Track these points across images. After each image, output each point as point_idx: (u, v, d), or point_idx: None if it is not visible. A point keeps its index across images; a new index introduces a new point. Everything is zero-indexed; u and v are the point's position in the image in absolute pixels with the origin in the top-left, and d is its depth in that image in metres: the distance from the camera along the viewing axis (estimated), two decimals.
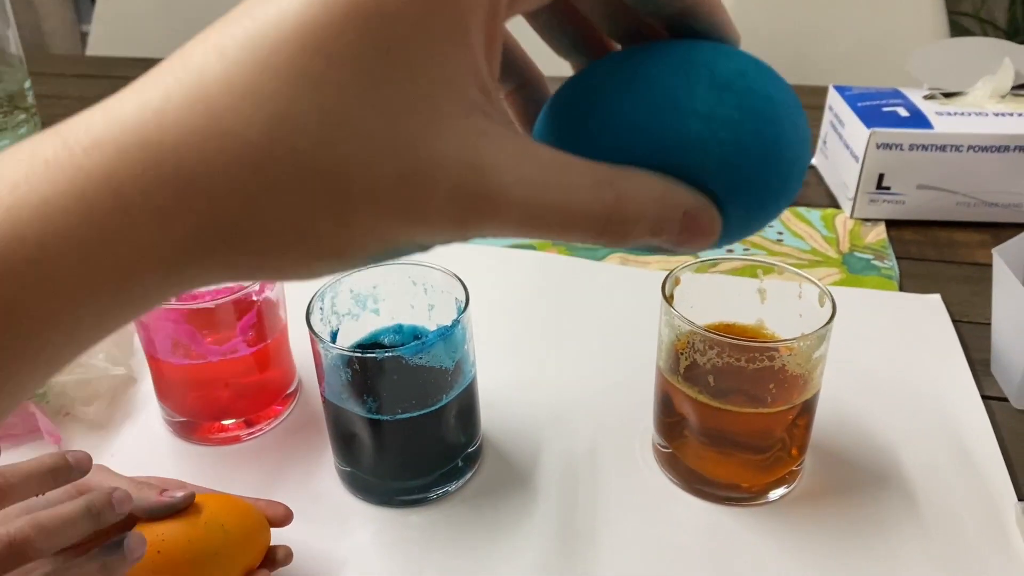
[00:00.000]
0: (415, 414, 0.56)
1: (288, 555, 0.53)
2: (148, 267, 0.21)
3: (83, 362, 0.66)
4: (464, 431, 0.60)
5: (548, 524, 0.58)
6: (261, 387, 0.65)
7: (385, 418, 0.56)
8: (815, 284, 0.58)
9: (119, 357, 0.69)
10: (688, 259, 0.60)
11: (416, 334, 0.62)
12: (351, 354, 0.54)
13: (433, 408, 0.56)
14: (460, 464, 0.60)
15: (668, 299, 0.57)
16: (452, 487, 0.60)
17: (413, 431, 0.57)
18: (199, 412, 0.64)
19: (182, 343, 0.61)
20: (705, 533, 0.57)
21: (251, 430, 0.65)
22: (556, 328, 0.77)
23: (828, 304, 0.56)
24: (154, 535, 0.46)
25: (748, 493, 0.59)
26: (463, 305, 0.56)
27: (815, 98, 1.00)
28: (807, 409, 0.58)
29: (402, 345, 0.56)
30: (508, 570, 0.55)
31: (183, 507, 0.48)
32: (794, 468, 0.60)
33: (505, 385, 0.69)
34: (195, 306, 0.60)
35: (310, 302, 0.57)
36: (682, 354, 0.57)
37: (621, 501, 0.60)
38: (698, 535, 0.57)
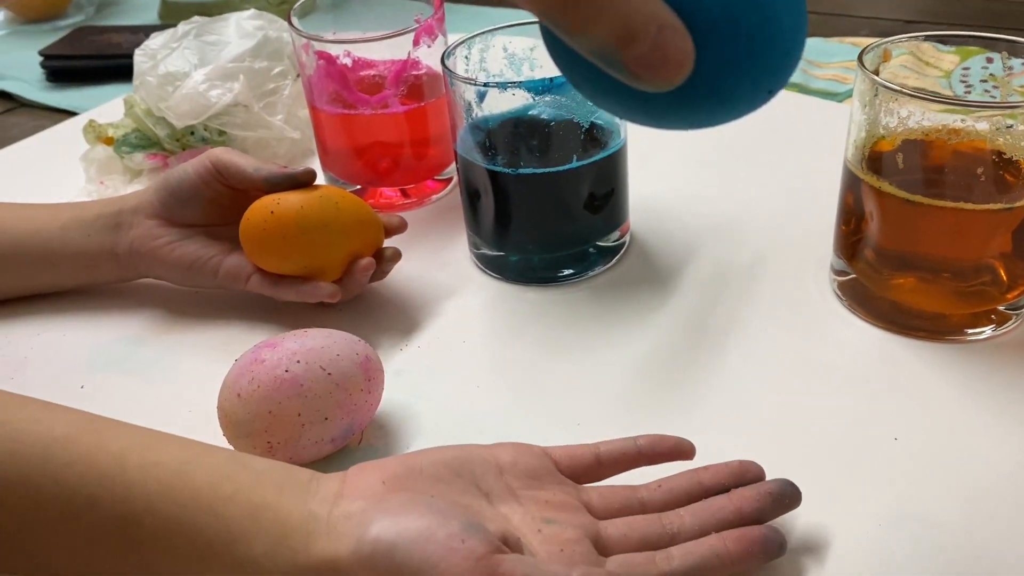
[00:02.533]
0: (538, 170, 0.50)
1: (396, 255, 0.52)
2: None
3: (264, 121, 0.68)
4: (601, 214, 0.53)
5: (676, 320, 0.50)
6: (416, 159, 0.63)
7: (508, 172, 0.51)
8: None
9: (298, 124, 0.70)
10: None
11: (568, 114, 0.56)
12: (472, 84, 0.49)
13: (558, 168, 0.50)
14: (591, 251, 0.54)
15: (867, 67, 0.46)
16: (580, 273, 0.54)
17: (536, 191, 0.51)
18: (360, 177, 0.64)
19: (338, 92, 0.60)
20: (869, 359, 0.46)
21: (406, 201, 0.64)
22: (728, 152, 0.67)
23: None
24: (271, 199, 0.49)
25: (938, 326, 0.47)
26: None
27: None
28: None
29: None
30: (613, 357, 0.48)
31: (303, 181, 0.50)
32: (1003, 308, 0.47)
33: (665, 193, 0.62)
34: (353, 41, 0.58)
35: (453, 46, 0.53)
36: (870, 130, 0.46)
37: (773, 313, 0.50)
38: (859, 359, 0.46)
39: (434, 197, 0.65)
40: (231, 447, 0.41)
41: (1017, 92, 0.49)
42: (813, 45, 0.86)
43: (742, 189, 0.63)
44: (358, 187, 0.64)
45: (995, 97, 0.52)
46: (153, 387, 0.49)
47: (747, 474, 0.37)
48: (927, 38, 0.52)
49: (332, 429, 0.40)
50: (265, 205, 0.49)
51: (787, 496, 0.36)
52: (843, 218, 0.50)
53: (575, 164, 0.50)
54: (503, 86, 0.49)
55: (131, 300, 0.56)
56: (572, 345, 0.49)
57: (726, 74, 0.24)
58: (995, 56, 0.50)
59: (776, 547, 0.34)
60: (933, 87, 0.66)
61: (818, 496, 0.37)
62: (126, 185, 0.67)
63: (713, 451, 0.38)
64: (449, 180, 0.65)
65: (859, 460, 0.40)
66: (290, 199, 0.49)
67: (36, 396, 0.35)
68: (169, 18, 1.05)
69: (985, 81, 0.55)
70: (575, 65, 0.25)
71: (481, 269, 0.56)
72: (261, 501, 0.32)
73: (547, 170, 0.50)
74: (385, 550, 0.31)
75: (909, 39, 0.50)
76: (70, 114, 0.85)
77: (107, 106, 0.83)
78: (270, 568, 0.31)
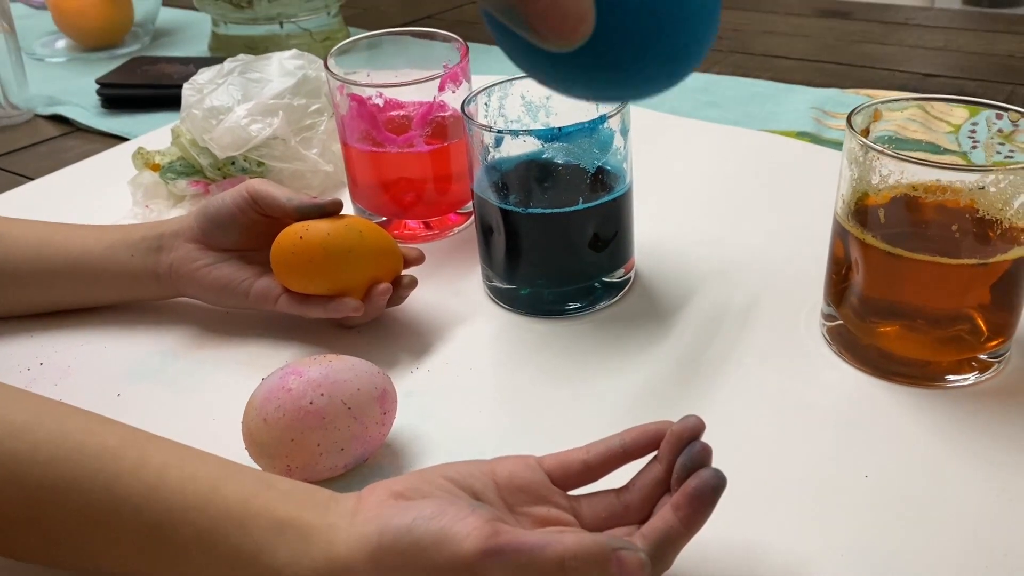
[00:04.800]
0: (547, 211, 0.54)
1: (412, 282, 0.56)
2: None
3: (300, 154, 0.72)
4: (606, 252, 0.57)
5: (672, 355, 0.53)
6: (439, 194, 0.67)
7: (518, 210, 0.54)
8: None
9: (331, 157, 0.74)
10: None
11: (577, 160, 0.60)
12: (489, 130, 0.53)
13: (565, 209, 0.54)
14: (597, 287, 0.57)
15: (855, 128, 0.49)
16: (586, 307, 0.57)
17: (544, 230, 0.55)
18: (386, 209, 0.68)
19: (368, 131, 0.64)
20: (851, 401, 0.49)
21: (428, 232, 0.68)
22: (734, 197, 0.71)
23: None
24: (301, 225, 0.53)
25: (921, 372, 0.50)
26: (619, 105, 0.53)
27: None
28: (1007, 277, 0.47)
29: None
30: (612, 387, 0.51)
31: (330, 210, 0.54)
32: (984, 356, 0.49)
33: (670, 234, 0.65)
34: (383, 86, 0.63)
35: (474, 94, 0.57)
36: (856, 185, 0.49)
37: (764, 353, 0.53)
38: (841, 401, 0.49)
39: (455, 230, 0.69)
40: (253, 462, 0.45)
41: (1020, 149, 0.51)
42: (830, 96, 0.89)
43: (746, 232, 0.66)
44: (384, 219, 0.68)
45: (1002, 154, 0.55)
46: (184, 398, 0.53)
47: (683, 437, 0.38)
48: (920, 100, 0.55)
49: (346, 457, 0.44)
50: (295, 231, 0.54)
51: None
52: (832, 267, 0.53)
53: (581, 206, 0.54)
54: (515, 134, 0.53)
55: (167, 317, 0.60)
56: (573, 375, 0.53)
57: (629, 46, 0.25)
58: (1004, 112, 0.52)
59: (717, 481, 0.36)
60: (940, 141, 0.68)
61: (791, 525, 0.40)
62: (170, 209, 0.72)
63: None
64: (470, 214, 0.69)
65: (831, 494, 0.43)
66: (318, 226, 0.53)
67: (77, 402, 0.40)
68: (219, 50, 1.11)
69: (993, 138, 0.58)
70: (498, 28, 0.26)
71: (493, 300, 0.60)
72: (285, 516, 0.36)
73: (555, 211, 0.54)
74: (403, 532, 0.35)
75: (902, 100, 0.53)
76: (121, 139, 0.91)
77: (155, 133, 0.88)
78: (294, 572, 0.35)
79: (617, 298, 0.59)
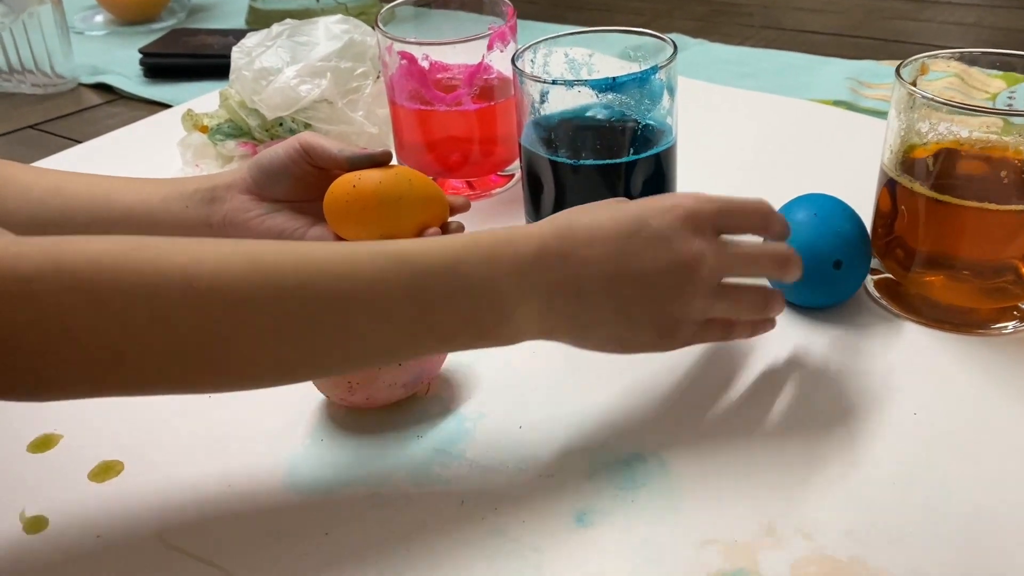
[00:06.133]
0: (598, 162, 0.55)
1: (460, 228, 0.57)
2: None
3: (347, 116, 0.74)
4: None
5: None
6: (484, 155, 0.68)
7: (568, 163, 0.56)
8: None
9: (376, 120, 0.76)
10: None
11: (624, 114, 0.61)
12: (543, 82, 0.55)
13: (617, 161, 0.55)
14: None
15: (904, 78, 0.50)
16: None
17: (596, 181, 0.56)
18: (431, 168, 0.69)
19: (416, 90, 0.66)
20: (897, 348, 0.50)
21: (471, 193, 0.69)
22: (775, 163, 0.72)
23: None
24: (353, 175, 0.55)
25: (965, 319, 0.51)
26: (669, 57, 0.54)
27: None
28: None
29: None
30: None
31: (381, 160, 0.55)
32: None
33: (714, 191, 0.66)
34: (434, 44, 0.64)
35: (522, 50, 0.58)
36: (904, 136, 0.50)
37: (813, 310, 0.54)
38: (886, 347, 0.50)
39: (496, 191, 0.70)
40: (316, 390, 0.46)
41: None
42: (865, 67, 0.90)
43: (787, 196, 0.67)
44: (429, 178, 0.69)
45: None
46: None
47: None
48: (963, 56, 0.56)
49: (404, 375, 0.46)
50: (348, 180, 0.55)
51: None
52: (878, 219, 0.54)
53: (631, 157, 0.55)
54: (570, 84, 0.54)
55: None
56: None
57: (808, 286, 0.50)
58: None
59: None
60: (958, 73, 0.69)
61: (845, 456, 0.41)
62: (219, 169, 0.74)
63: (752, 423, 0.43)
64: (511, 176, 0.71)
65: (880, 429, 0.44)
66: (370, 175, 0.55)
67: None
68: (256, 24, 1.13)
69: None
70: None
71: None
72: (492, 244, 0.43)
73: (606, 162, 0.55)
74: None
75: (949, 55, 0.54)
76: (164, 106, 0.92)
77: (201, 99, 0.90)
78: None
79: None
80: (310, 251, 0.40)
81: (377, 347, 0.40)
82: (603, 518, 0.40)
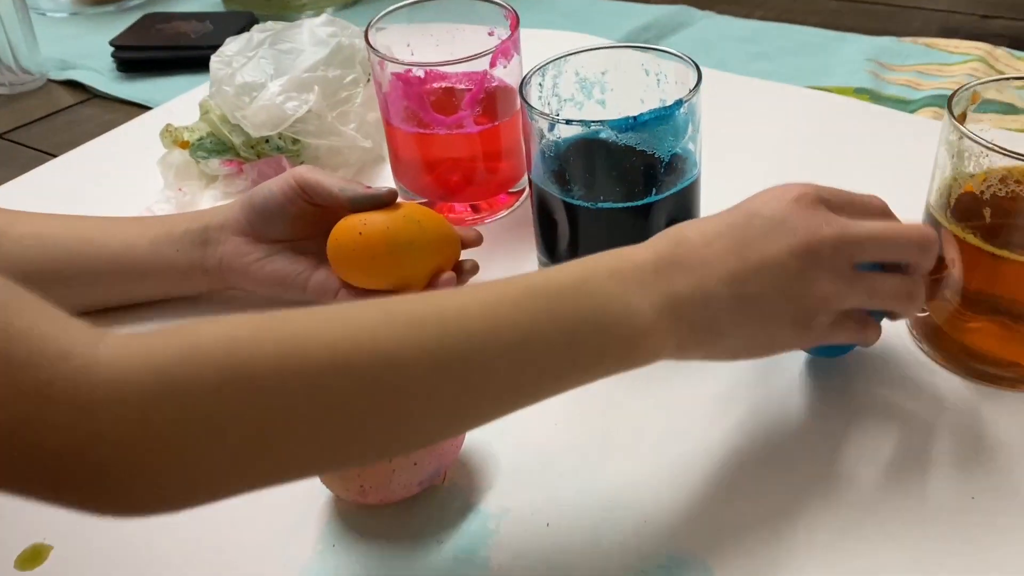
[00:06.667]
0: (618, 205, 0.51)
1: (475, 267, 0.54)
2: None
3: (337, 130, 0.69)
4: None
5: None
6: (489, 174, 0.64)
7: (585, 205, 0.51)
8: None
9: (369, 131, 0.70)
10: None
11: (645, 149, 0.56)
12: (551, 119, 0.50)
13: (640, 202, 0.51)
14: None
15: (955, 114, 0.46)
16: None
17: (615, 225, 0.52)
18: (431, 191, 0.64)
19: (413, 110, 0.60)
20: (947, 408, 0.47)
21: (475, 216, 0.65)
22: (803, 164, 0.67)
23: None
24: (357, 219, 0.51)
25: (1006, 372, 0.47)
26: (693, 86, 0.49)
27: None
28: None
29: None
30: (688, 383, 0.49)
31: (386, 200, 0.52)
32: None
33: None
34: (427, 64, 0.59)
35: (529, 75, 0.53)
36: (955, 182, 0.46)
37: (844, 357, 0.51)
38: (934, 407, 0.47)
39: (504, 212, 0.65)
40: (326, 487, 0.43)
41: None
42: (885, 46, 0.84)
43: None
44: (426, 200, 0.64)
45: None
46: None
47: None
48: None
49: (420, 473, 0.42)
50: (353, 226, 0.51)
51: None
52: None
53: (655, 197, 0.51)
54: (587, 124, 0.49)
55: (222, 308, 0.57)
56: (651, 375, 0.50)
57: None
58: None
59: None
60: (1012, 99, 0.64)
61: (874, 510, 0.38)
62: (203, 190, 0.69)
63: (784, 457, 0.39)
64: (520, 193, 0.66)
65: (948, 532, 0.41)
66: (376, 220, 0.51)
67: None
68: (233, 3, 1.06)
69: None
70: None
71: None
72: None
73: (627, 205, 0.51)
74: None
75: (997, 81, 0.49)
76: (141, 107, 0.87)
77: (179, 101, 0.84)
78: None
79: None
80: (441, 300, 0.37)
81: (525, 390, 0.37)
82: None
